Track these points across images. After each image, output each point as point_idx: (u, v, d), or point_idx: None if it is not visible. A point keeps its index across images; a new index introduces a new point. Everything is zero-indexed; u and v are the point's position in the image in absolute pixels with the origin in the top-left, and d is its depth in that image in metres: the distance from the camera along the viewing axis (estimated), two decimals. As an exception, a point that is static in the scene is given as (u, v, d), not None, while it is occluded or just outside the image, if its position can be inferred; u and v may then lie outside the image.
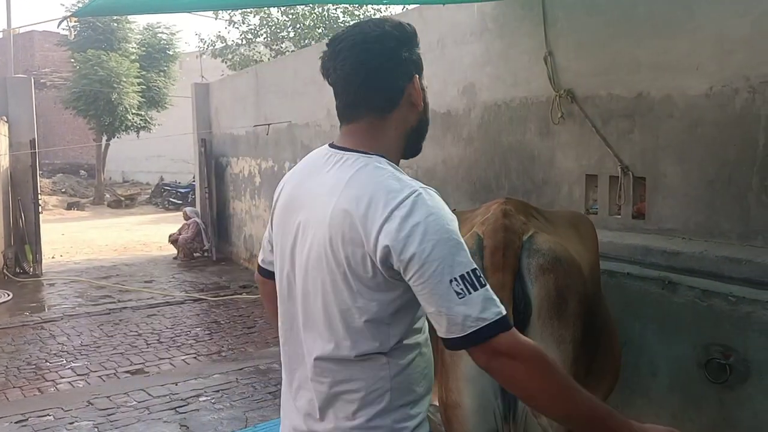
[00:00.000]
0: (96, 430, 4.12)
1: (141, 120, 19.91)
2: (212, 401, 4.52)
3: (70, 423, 4.22)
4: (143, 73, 19.46)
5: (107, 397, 4.65)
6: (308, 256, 1.46)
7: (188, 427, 4.12)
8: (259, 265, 1.78)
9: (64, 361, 5.72)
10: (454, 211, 1.47)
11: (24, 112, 10.29)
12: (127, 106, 18.87)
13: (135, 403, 4.53)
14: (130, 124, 19.58)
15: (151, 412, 4.38)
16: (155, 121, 20.48)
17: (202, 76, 15.70)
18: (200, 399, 4.57)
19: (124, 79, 18.44)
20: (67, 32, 18.76)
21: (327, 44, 1.52)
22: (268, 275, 1.71)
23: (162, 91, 20.35)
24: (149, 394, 4.68)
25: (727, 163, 3.17)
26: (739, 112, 3.11)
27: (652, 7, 3.54)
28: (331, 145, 1.53)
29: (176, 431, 4.08)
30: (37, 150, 9.95)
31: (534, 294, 1.96)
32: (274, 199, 1.64)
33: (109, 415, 4.34)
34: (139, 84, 19.10)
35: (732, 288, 2.39)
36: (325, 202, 1.43)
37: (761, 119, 3.02)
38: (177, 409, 4.40)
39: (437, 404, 2.41)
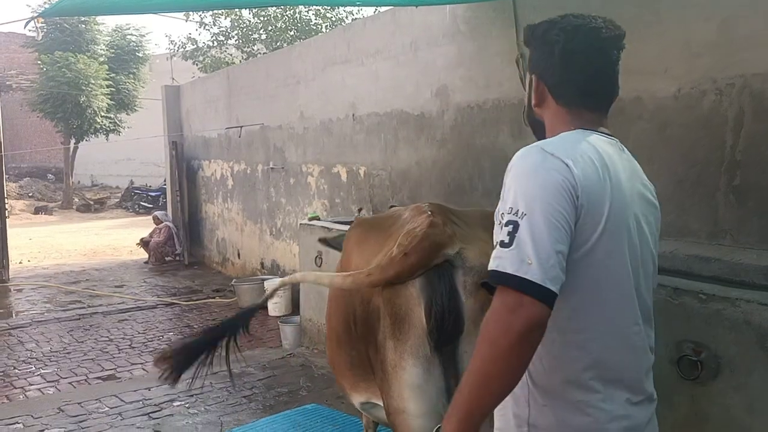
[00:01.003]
0: (67, 437, 4.06)
1: (110, 123, 19.64)
2: (186, 406, 4.46)
3: (40, 430, 4.13)
4: (112, 75, 19.18)
5: (78, 403, 4.57)
6: (641, 242, 1.52)
7: (162, 433, 4.07)
8: (550, 292, 1.30)
9: (33, 368, 5.61)
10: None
11: (-11, 115, 10.10)
12: (96, 109, 18.59)
13: (107, 409, 4.46)
14: (99, 126, 19.30)
15: (124, 418, 4.31)
16: (125, 124, 20.21)
17: (173, 78, 15.53)
18: (174, 404, 4.51)
19: (93, 82, 18.17)
20: (34, 33, 18.44)
21: (568, 31, 1.57)
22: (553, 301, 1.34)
23: (131, 94, 20.09)
24: (122, 400, 4.60)
25: (696, 164, 3.23)
26: (707, 114, 3.18)
27: (620, 11, 3.59)
28: (603, 133, 1.58)
29: (150, 437, 4.03)
30: (2, 153, 9.75)
31: (469, 307, 2.04)
32: (606, 196, 1.42)
33: (80, 422, 4.26)
34: (108, 86, 18.83)
35: (702, 286, 2.44)
36: (640, 187, 1.56)
37: (728, 120, 3.08)
38: (150, 415, 4.34)
39: (373, 402, 2.43)
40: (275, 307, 7.26)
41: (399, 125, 5.62)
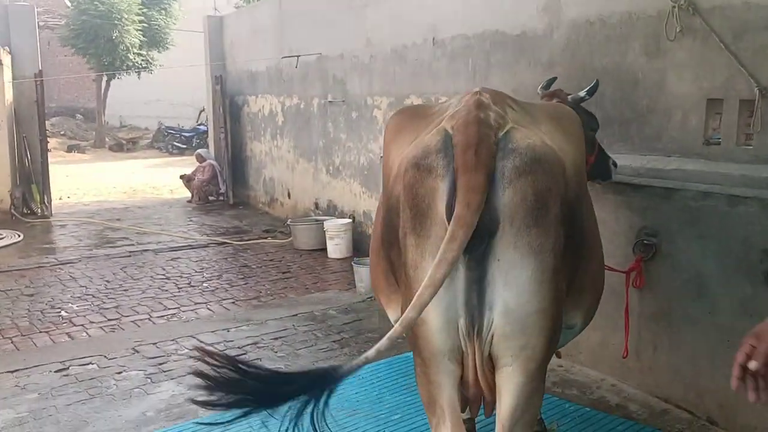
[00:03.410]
0: (149, 380, 3.65)
1: (142, 60, 19.03)
2: (273, 350, 4.05)
3: (118, 373, 3.75)
4: (144, 10, 18.50)
5: (153, 344, 4.18)
6: None
7: (255, 379, 3.66)
8: None
9: (91, 305, 5.26)
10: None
11: (27, 42, 9.67)
12: (129, 45, 17.99)
13: (187, 351, 4.06)
14: (131, 63, 18.71)
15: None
16: (156, 62, 19.58)
17: (215, 9, 14.82)
18: (259, 347, 4.10)
19: (125, 16, 17.54)
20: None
21: None
22: None
23: (163, 31, 19.40)
24: (201, 342, 4.20)
25: None
26: None
27: None
28: None
29: (241, 383, 3.61)
30: (43, 79, 9.31)
31: (507, 200, 1.73)
32: None
33: (160, 363, 3.87)
34: (140, 22, 18.18)
35: None
36: None
37: None
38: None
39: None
40: (336, 249, 6.86)
41: (492, 48, 5.03)
